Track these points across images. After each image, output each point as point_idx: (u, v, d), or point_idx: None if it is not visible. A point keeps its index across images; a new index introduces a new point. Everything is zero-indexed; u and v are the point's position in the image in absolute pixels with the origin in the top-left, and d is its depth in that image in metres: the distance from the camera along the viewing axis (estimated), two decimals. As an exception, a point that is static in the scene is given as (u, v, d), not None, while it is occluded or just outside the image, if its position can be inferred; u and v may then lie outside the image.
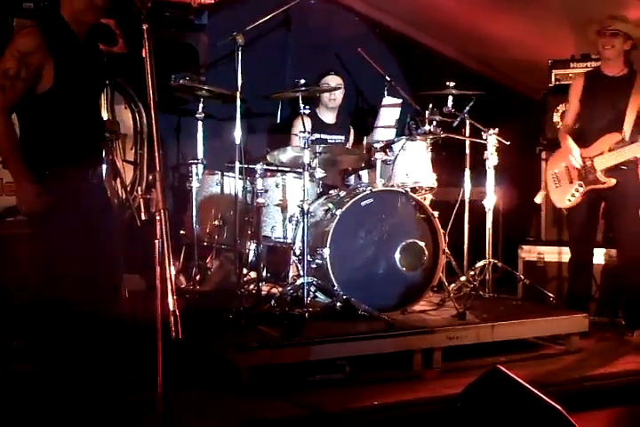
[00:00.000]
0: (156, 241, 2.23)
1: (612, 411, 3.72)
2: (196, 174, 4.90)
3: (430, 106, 5.04)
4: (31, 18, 4.37)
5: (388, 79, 5.63)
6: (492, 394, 2.68)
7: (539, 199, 5.22)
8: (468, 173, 5.30)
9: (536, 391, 2.59)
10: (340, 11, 6.42)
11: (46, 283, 3.06)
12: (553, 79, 5.66)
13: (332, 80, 5.54)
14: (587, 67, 5.31)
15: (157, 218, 2.28)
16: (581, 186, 4.80)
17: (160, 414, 2.26)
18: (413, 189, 4.79)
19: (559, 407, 2.50)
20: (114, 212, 3.35)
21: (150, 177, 2.23)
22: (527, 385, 2.63)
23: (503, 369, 2.71)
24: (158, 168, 2.33)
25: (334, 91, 5.51)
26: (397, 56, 6.52)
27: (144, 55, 2.48)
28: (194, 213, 4.85)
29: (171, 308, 2.10)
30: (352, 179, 5.17)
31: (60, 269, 3.03)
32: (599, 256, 5.22)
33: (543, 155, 5.31)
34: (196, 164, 4.91)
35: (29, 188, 3.02)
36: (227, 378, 3.67)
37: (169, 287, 2.11)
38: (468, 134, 5.31)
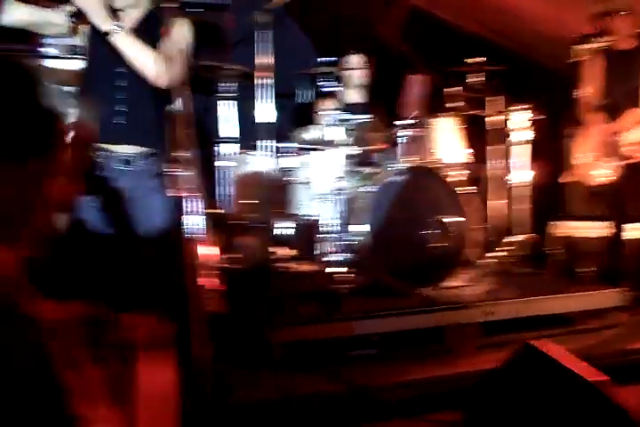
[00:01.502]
0: (196, 219, 2.25)
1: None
2: (230, 153, 4.91)
3: (456, 82, 5.02)
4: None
5: (413, 56, 5.58)
6: (525, 369, 2.69)
7: (565, 178, 5.19)
8: (495, 149, 5.27)
9: (569, 367, 2.59)
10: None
11: None
12: (578, 54, 5.58)
13: (358, 60, 5.48)
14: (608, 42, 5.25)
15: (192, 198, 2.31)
16: (613, 161, 4.76)
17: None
18: (446, 166, 4.77)
19: (597, 380, 2.48)
20: None
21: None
22: (560, 360, 2.63)
23: (535, 344, 2.71)
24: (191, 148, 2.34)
25: (361, 70, 5.47)
26: (421, 32, 6.45)
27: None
28: (228, 192, 4.88)
29: (211, 284, 2.13)
30: (382, 156, 5.16)
31: None
32: (634, 231, 5.17)
33: (570, 131, 5.27)
34: (229, 143, 4.91)
35: None
36: (262, 355, 3.70)
37: (210, 264, 2.15)
38: (493, 110, 5.28)
